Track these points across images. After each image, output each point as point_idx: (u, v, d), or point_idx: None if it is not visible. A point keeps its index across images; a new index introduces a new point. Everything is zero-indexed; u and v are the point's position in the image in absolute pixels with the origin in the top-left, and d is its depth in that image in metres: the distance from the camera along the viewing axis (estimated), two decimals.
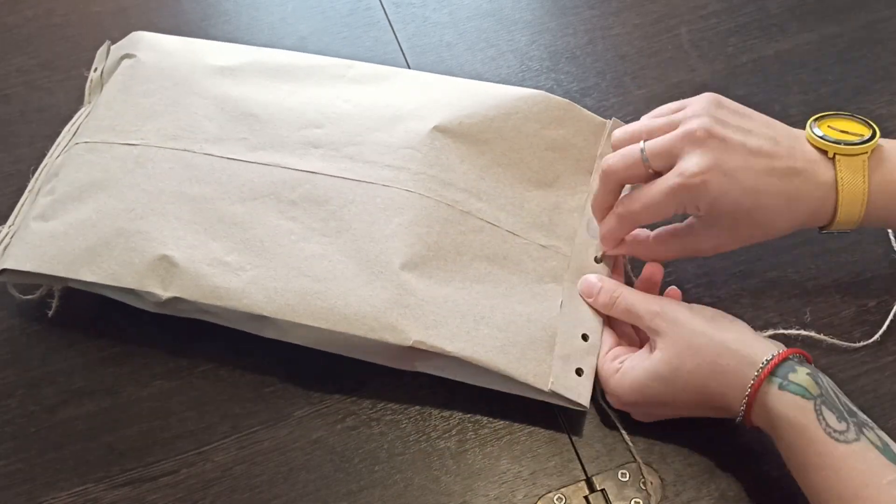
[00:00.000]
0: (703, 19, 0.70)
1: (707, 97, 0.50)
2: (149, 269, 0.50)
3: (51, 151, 0.58)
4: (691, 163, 0.47)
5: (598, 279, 0.52)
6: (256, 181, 0.53)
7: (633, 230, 0.52)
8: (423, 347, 0.48)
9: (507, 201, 0.54)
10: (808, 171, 0.48)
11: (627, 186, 0.52)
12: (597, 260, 0.53)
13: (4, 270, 0.52)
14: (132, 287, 0.50)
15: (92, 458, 0.51)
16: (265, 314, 0.49)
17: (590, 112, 0.57)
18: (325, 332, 0.48)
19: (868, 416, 0.49)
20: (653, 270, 0.52)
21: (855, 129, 0.49)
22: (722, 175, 0.47)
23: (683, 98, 0.64)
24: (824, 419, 0.42)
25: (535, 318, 0.50)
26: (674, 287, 0.52)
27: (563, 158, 0.56)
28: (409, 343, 0.47)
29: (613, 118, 0.57)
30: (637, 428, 0.51)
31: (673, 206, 0.48)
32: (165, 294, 0.49)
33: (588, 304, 0.52)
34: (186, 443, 0.51)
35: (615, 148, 0.51)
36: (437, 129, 0.54)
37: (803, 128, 0.50)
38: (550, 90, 0.65)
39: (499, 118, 0.55)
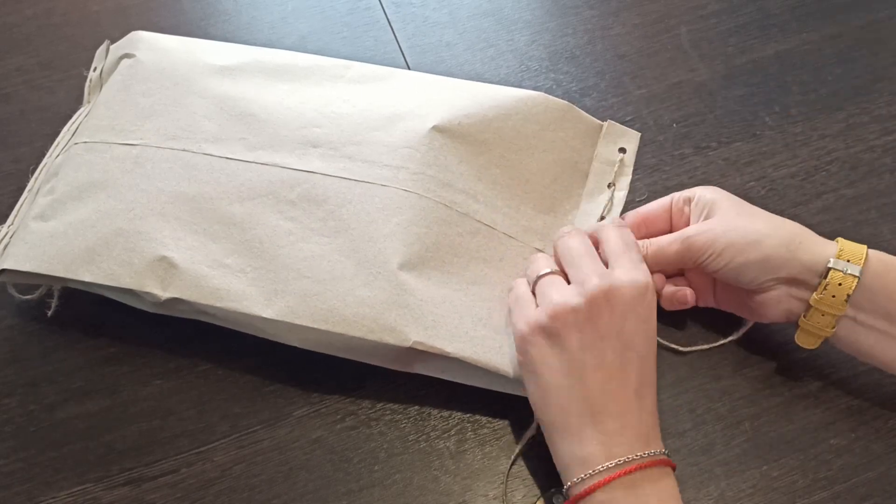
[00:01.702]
0: (703, 19, 0.70)
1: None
2: (148, 269, 0.50)
3: (50, 151, 0.58)
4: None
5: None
6: (255, 181, 0.53)
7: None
8: (423, 348, 0.48)
9: (504, 203, 0.53)
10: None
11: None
12: None
13: (4, 270, 0.52)
14: (131, 287, 0.50)
15: (91, 458, 0.51)
16: (265, 316, 0.48)
17: (588, 114, 0.57)
18: (324, 333, 0.48)
19: (866, 416, 0.49)
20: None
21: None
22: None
23: (682, 97, 0.65)
24: None
25: None
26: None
27: (560, 160, 0.55)
28: (409, 344, 0.47)
29: (609, 120, 0.57)
30: None
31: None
32: (164, 295, 0.49)
33: None
34: (186, 442, 0.51)
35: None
36: (435, 129, 0.54)
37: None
38: (550, 90, 0.66)
39: (498, 119, 0.55)
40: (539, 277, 0.47)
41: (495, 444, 0.51)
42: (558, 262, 0.48)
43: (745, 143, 0.63)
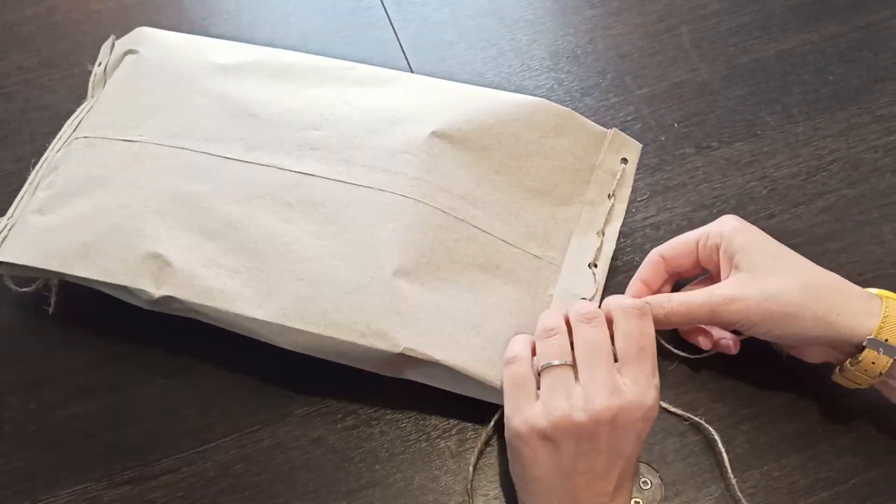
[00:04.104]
0: (704, 19, 0.70)
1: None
2: (142, 266, 0.50)
3: (52, 144, 0.58)
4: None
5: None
6: (253, 182, 0.53)
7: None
8: (413, 354, 0.47)
9: (503, 209, 0.53)
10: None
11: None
12: (591, 265, 0.52)
13: (1, 263, 0.52)
14: (124, 284, 0.50)
15: (92, 457, 0.51)
16: (256, 317, 0.48)
17: (590, 121, 0.56)
18: (315, 336, 0.48)
19: (867, 416, 0.49)
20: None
21: None
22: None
23: (683, 96, 0.65)
24: None
25: (523, 330, 0.50)
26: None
27: (561, 168, 0.55)
28: (399, 350, 0.47)
29: (614, 128, 0.56)
30: None
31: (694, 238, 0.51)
32: (158, 292, 0.49)
33: None
34: (187, 441, 0.51)
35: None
36: (435, 134, 0.54)
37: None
38: (551, 89, 0.66)
39: (498, 125, 0.55)
40: (548, 367, 0.44)
41: (495, 443, 0.51)
42: (572, 344, 0.45)
43: (747, 143, 0.63)
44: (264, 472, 0.50)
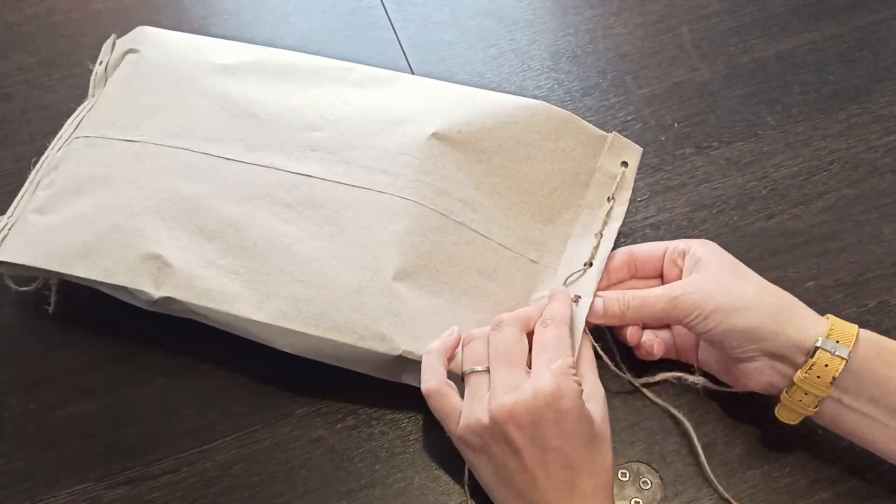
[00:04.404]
0: (705, 19, 0.70)
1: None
2: (142, 267, 0.50)
3: (52, 144, 0.58)
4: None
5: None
6: (253, 182, 0.53)
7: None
8: (412, 357, 0.47)
9: (501, 213, 0.53)
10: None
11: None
12: (587, 265, 0.52)
13: (1, 263, 0.52)
14: (124, 284, 0.50)
15: (92, 457, 0.51)
16: (256, 319, 0.48)
17: (590, 124, 0.56)
18: (314, 338, 0.48)
19: None
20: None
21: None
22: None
23: (683, 96, 0.65)
24: None
25: None
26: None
27: (560, 171, 0.55)
28: (398, 352, 0.47)
29: (614, 132, 0.56)
30: (637, 427, 0.51)
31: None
32: (157, 293, 0.49)
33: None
34: (187, 441, 0.51)
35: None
36: (435, 135, 0.54)
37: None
38: (551, 89, 0.66)
39: (498, 127, 0.54)
40: (470, 373, 0.46)
41: None
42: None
43: (747, 143, 0.63)
44: (264, 472, 0.50)
